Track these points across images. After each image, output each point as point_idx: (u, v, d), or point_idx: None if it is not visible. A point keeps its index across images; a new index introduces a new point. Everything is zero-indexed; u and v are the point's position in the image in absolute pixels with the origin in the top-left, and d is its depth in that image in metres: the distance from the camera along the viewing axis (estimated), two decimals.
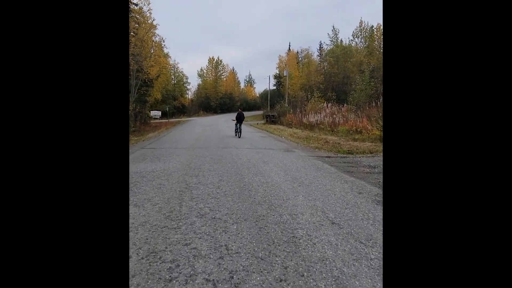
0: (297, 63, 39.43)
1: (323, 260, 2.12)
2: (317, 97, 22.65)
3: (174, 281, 1.83)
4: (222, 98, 51.69)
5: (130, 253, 2.16)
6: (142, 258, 2.10)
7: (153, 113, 28.60)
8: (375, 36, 33.33)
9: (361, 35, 34.88)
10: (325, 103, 20.04)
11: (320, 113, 17.35)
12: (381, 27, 29.15)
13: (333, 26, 44.10)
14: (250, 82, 69.34)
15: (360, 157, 7.29)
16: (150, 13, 17.62)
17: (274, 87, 44.64)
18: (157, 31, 19.27)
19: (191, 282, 1.83)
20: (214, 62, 53.69)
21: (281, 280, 1.86)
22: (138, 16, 17.45)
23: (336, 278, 1.89)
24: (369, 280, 1.88)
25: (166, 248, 2.26)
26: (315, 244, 2.37)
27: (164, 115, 32.40)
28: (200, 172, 5.14)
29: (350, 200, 3.59)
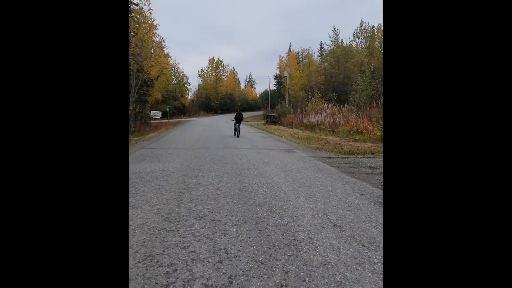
0: (298, 63, 39.40)
1: (325, 264, 2.06)
2: (318, 97, 22.58)
3: (171, 287, 1.77)
4: (222, 98, 51.64)
5: None
6: (139, 262, 2.04)
7: (154, 113, 28.57)
8: (376, 36, 33.25)
9: (361, 35, 34.84)
10: (325, 104, 19.97)
11: (321, 114, 17.28)
12: (382, 28, 29.07)
13: (333, 26, 44.12)
14: (250, 82, 69.35)
15: (361, 157, 7.23)
16: (150, 13, 17.58)
17: (275, 88, 44.62)
18: (157, 31, 19.23)
19: (188, 287, 1.77)
20: (214, 62, 53.67)
21: (282, 286, 1.80)
22: (138, 16, 17.41)
23: (339, 284, 1.83)
24: (373, 286, 1.82)
25: (164, 251, 2.20)
26: (316, 247, 2.31)
27: (165, 115, 32.36)
28: (200, 172, 5.08)
29: (352, 202, 3.53)
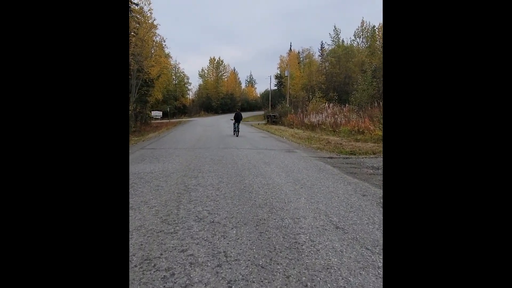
0: (298, 63, 39.33)
1: (328, 268, 1.99)
2: (319, 97, 22.48)
3: None
4: (223, 98, 51.58)
5: None
6: (135, 266, 1.98)
7: (154, 113, 28.52)
8: (377, 36, 33.15)
9: (362, 35, 34.74)
10: (326, 103, 19.88)
11: (322, 113, 17.20)
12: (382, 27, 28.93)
13: (334, 26, 44.00)
14: (251, 82, 69.27)
15: (363, 158, 7.16)
16: (150, 13, 17.53)
17: (275, 87, 44.55)
18: (157, 31, 19.19)
19: None
20: (215, 62, 53.62)
21: None
22: (138, 16, 17.37)
23: None
24: None
25: (161, 255, 2.14)
26: (318, 250, 2.24)
27: (165, 115, 32.30)
28: (200, 173, 5.02)
29: (354, 203, 3.46)
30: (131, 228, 2.61)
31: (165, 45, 22.90)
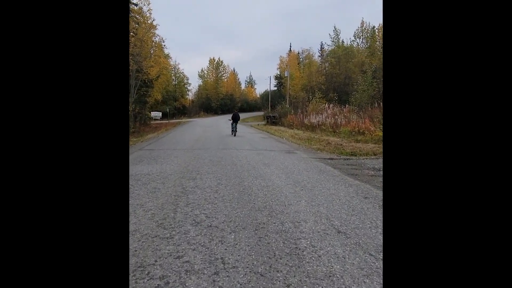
0: (298, 63, 39.28)
1: (330, 276, 1.90)
2: (319, 97, 22.41)
3: None
4: (223, 99, 51.44)
5: None
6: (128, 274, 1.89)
7: (154, 114, 28.43)
8: (377, 36, 33.11)
9: (362, 35, 34.71)
10: (326, 104, 19.80)
11: (322, 114, 17.12)
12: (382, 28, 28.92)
13: (334, 27, 44.00)
14: (250, 83, 69.12)
15: (363, 159, 7.07)
16: (150, 13, 17.46)
17: (275, 88, 44.46)
18: (157, 32, 19.12)
19: None
20: (214, 63, 53.55)
21: None
22: (137, 16, 17.29)
23: None
24: None
25: (156, 261, 2.04)
26: (320, 256, 2.15)
27: (165, 116, 32.20)
28: (198, 175, 4.92)
29: (356, 206, 3.37)
30: None
31: (164, 45, 22.84)
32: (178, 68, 45.59)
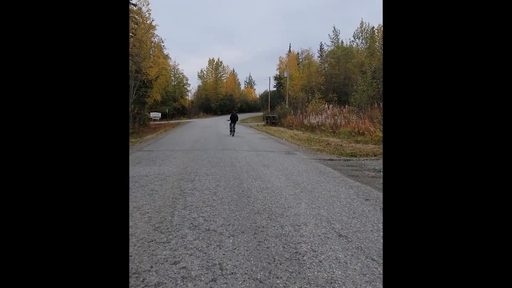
0: (298, 64, 39.26)
1: (331, 282, 1.84)
2: (318, 98, 22.37)
3: None
4: (222, 99, 51.38)
5: None
6: None
7: (153, 114, 28.34)
8: (376, 37, 33.10)
9: (362, 36, 34.73)
10: (326, 104, 19.75)
11: (321, 115, 17.07)
12: (382, 28, 28.91)
13: (333, 27, 44.03)
14: (250, 83, 69.09)
15: (364, 160, 7.01)
16: (149, 13, 17.41)
17: (275, 89, 44.38)
18: (156, 32, 19.08)
19: None
20: (214, 63, 53.52)
21: None
22: (136, 17, 17.24)
23: None
24: None
25: (152, 267, 1.98)
26: (321, 261, 2.09)
27: (164, 116, 32.11)
28: (197, 176, 4.86)
29: (357, 208, 3.31)
30: None
31: (163, 45, 22.79)
32: (178, 68, 45.55)
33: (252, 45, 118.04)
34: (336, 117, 15.54)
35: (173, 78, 44.01)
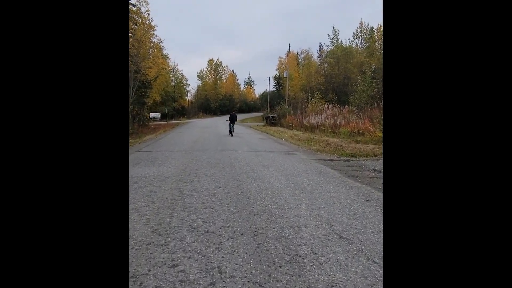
0: (297, 64, 39.23)
1: (332, 285, 1.81)
2: (318, 98, 22.35)
3: None
4: (222, 99, 51.34)
5: None
6: None
7: (152, 115, 28.30)
8: (376, 37, 33.10)
9: (361, 36, 34.72)
10: (325, 105, 19.72)
11: (321, 115, 17.05)
12: (382, 28, 28.86)
13: (333, 27, 44.03)
14: (249, 83, 69.02)
15: (364, 160, 6.99)
16: (148, 13, 17.38)
17: (274, 89, 44.34)
18: (156, 32, 19.06)
19: None
20: (213, 63, 53.49)
21: None
22: (135, 17, 17.20)
23: None
24: None
25: (149, 271, 1.94)
26: (321, 264, 2.06)
27: (164, 117, 32.05)
28: (196, 177, 4.82)
29: (358, 209, 3.28)
30: None
31: (163, 46, 22.75)
32: (177, 68, 45.51)
33: (252, 45, 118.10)
34: (335, 117, 15.51)
35: (173, 79, 43.99)
